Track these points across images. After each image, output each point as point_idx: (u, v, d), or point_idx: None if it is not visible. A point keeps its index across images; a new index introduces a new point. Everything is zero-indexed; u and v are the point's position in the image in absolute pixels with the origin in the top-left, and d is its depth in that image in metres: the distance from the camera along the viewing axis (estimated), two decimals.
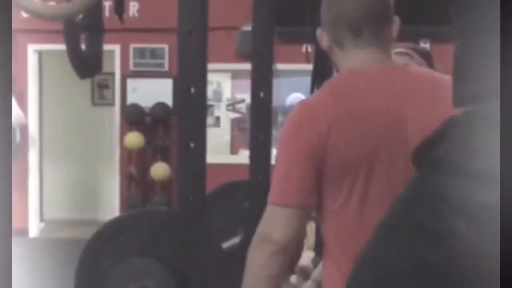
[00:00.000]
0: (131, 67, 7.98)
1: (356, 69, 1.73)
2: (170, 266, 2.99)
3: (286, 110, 7.20)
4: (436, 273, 1.26)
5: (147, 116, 7.94)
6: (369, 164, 1.67)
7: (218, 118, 8.01)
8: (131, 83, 8.00)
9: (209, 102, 7.38)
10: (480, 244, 1.19)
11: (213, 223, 3.57)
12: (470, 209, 1.17)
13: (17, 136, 7.80)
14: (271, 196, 1.70)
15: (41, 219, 8.59)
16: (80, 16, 3.94)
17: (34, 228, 8.27)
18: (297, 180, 1.67)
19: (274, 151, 2.25)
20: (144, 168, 7.93)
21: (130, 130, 7.92)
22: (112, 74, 8.09)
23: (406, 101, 1.70)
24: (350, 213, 1.71)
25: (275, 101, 4.77)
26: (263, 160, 3.78)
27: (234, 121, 8.07)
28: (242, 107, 7.91)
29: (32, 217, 8.25)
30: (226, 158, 7.65)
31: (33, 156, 8.21)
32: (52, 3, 4.14)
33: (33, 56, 8.08)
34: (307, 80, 3.54)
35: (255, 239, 1.70)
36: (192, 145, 3.05)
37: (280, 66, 6.63)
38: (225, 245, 3.58)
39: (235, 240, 3.81)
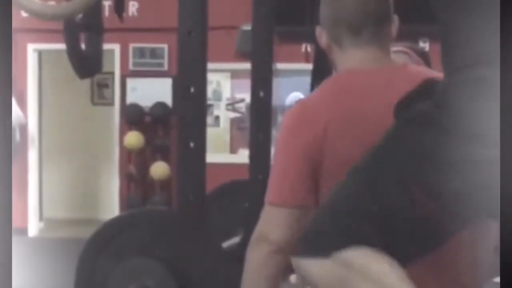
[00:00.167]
0: (131, 67, 7.98)
1: (355, 69, 1.72)
2: (170, 265, 2.99)
3: (285, 110, 7.20)
4: (395, 220, 1.31)
5: (146, 116, 7.94)
6: None
7: (217, 118, 8.00)
8: (130, 82, 8.00)
9: (209, 102, 7.37)
10: (445, 196, 1.23)
11: (213, 223, 3.57)
12: (443, 162, 1.21)
13: (16, 136, 7.79)
14: (268, 196, 1.70)
15: (41, 218, 8.58)
16: (80, 16, 3.95)
17: (33, 227, 8.27)
18: (294, 180, 1.66)
19: (273, 151, 2.25)
20: (144, 168, 7.93)
21: (130, 129, 7.92)
22: (112, 73, 8.09)
23: None
24: None
25: (275, 101, 4.76)
26: (262, 160, 3.78)
27: (233, 121, 8.07)
28: (242, 106, 7.91)
29: (32, 217, 8.25)
30: (226, 157, 7.65)
31: (32, 156, 8.21)
32: (52, 3, 4.15)
33: (32, 56, 8.08)
34: (307, 79, 3.54)
35: (253, 239, 1.70)
36: (191, 144, 3.05)
37: (280, 66, 6.62)
38: (225, 244, 3.58)
39: (235, 239, 3.81)
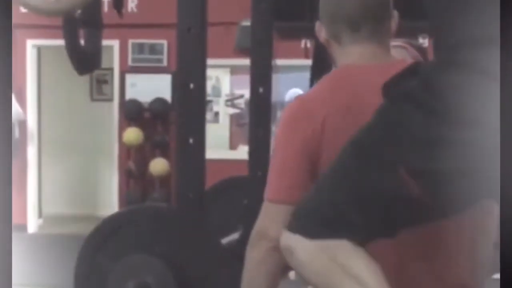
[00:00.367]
0: (130, 63, 7.98)
1: (354, 64, 1.72)
2: (169, 262, 2.99)
3: (285, 106, 7.19)
4: (381, 199, 1.34)
5: (146, 112, 7.94)
6: None
7: (217, 114, 8.00)
8: (130, 78, 7.99)
9: (208, 98, 7.37)
10: (426, 176, 1.26)
11: (212, 219, 3.57)
12: (426, 141, 1.24)
13: (16, 132, 7.79)
14: (267, 193, 1.70)
15: (40, 215, 8.58)
16: (79, 12, 3.94)
17: (32, 224, 8.26)
18: (292, 176, 1.66)
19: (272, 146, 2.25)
20: (143, 164, 7.93)
21: (129, 125, 7.92)
22: (111, 69, 8.08)
23: None
24: None
25: (274, 97, 4.76)
26: (262, 156, 3.78)
27: (233, 117, 8.06)
28: (241, 102, 7.91)
29: (31, 213, 8.25)
30: (225, 153, 7.65)
31: (31, 152, 8.21)
32: None
33: (32, 52, 8.07)
34: (306, 75, 3.54)
35: (252, 236, 1.70)
36: (191, 140, 3.05)
37: (279, 62, 6.62)
38: (225, 240, 3.58)
39: (234, 235, 3.81)
